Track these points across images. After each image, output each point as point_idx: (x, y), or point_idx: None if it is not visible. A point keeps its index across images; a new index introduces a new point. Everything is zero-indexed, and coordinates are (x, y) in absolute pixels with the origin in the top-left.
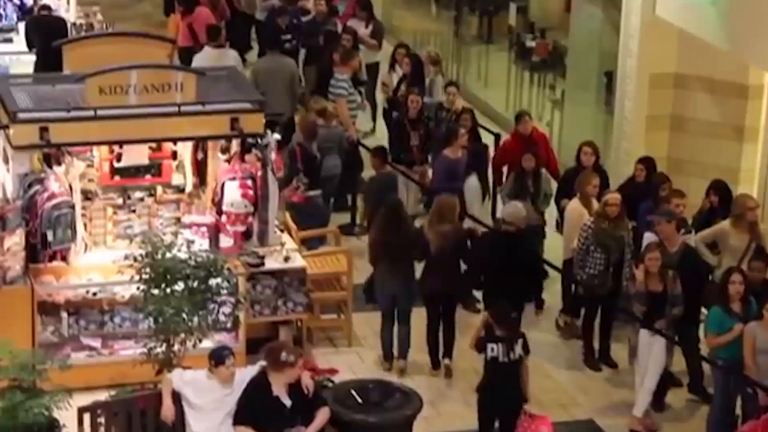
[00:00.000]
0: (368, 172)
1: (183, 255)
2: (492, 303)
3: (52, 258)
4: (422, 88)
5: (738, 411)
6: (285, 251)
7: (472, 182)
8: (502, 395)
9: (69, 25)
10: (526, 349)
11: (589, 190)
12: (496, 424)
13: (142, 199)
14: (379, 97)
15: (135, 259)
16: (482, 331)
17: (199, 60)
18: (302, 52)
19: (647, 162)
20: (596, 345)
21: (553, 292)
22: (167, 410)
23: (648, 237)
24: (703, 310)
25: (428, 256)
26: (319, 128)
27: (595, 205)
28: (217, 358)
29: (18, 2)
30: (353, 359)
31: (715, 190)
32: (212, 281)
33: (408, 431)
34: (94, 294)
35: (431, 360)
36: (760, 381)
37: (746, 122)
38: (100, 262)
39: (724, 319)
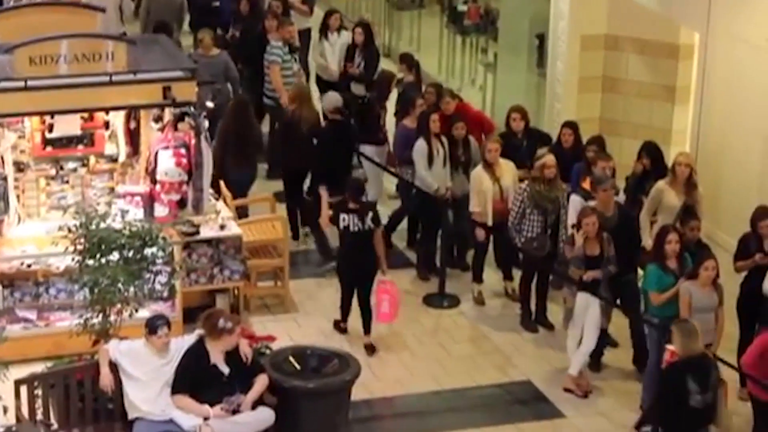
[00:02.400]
0: None
1: (117, 225)
2: (348, 180)
3: None
4: (376, 58)
5: None
6: (220, 219)
7: (419, 145)
8: (356, 263)
9: None
10: (376, 221)
11: (488, 157)
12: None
13: (75, 170)
14: (312, 63)
15: (69, 230)
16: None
17: None
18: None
19: (573, 125)
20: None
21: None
22: (105, 378)
23: (574, 200)
24: (640, 272)
25: (299, 136)
26: (200, 58)
27: (500, 169)
28: (150, 327)
29: None
30: (290, 326)
31: (647, 152)
32: (147, 251)
33: (347, 396)
34: (29, 266)
35: (292, 231)
36: None
37: (678, 82)
38: (33, 233)
39: (662, 276)
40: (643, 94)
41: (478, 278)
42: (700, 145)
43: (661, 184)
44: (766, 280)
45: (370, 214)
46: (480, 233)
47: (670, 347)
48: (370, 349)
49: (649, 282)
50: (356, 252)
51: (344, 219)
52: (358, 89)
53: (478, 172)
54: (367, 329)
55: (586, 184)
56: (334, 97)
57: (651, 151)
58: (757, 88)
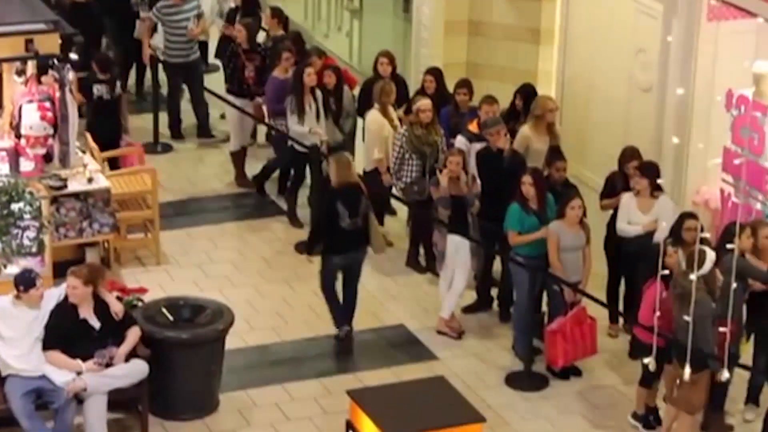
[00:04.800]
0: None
1: None
2: (95, 54)
3: None
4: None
5: (544, 308)
6: (88, 172)
7: (290, 100)
8: (103, 126)
9: None
10: (123, 88)
11: (391, 100)
12: None
13: None
14: None
15: None
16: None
17: None
18: None
19: (435, 72)
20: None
21: None
22: None
23: (459, 140)
24: None
25: None
26: None
27: (393, 114)
28: (27, 282)
29: None
30: (162, 277)
31: (522, 95)
32: (14, 206)
33: (221, 346)
34: None
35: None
36: (566, 278)
37: (542, 24)
38: None
39: (523, 216)
40: (508, 37)
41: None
42: (566, 86)
43: (525, 130)
44: (619, 219)
45: (118, 83)
46: (387, 178)
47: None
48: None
49: (510, 222)
50: (104, 118)
51: (98, 89)
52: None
53: (377, 118)
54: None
55: (473, 126)
56: None
57: (526, 94)
58: (619, 28)
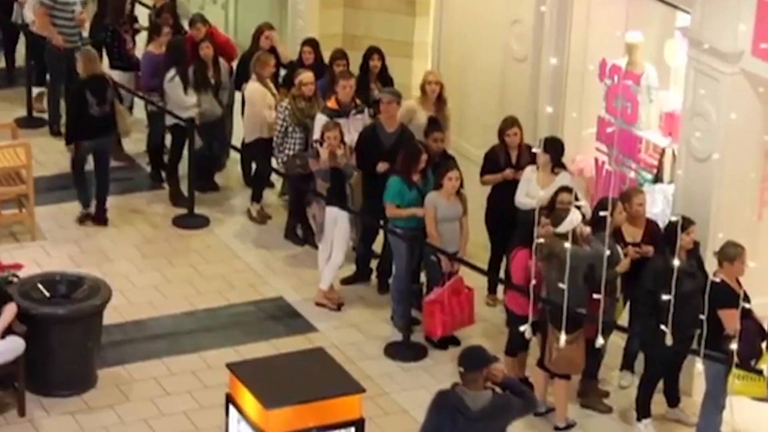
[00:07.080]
0: None
1: None
2: None
3: None
4: None
5: (423, 279)
6: None
7: (172, 74)
8: None
9: None
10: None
11: (267, 72)
12: None
13: None
14: None
15: None
16: None
17: None
18: None
19: (313, 43)
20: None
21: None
22: None
23: (320, 119)
24: None
25: None
26: None
27: (271, 85)
28: None
29: None
30: (38, 253)
31: (378, 53)
32: None
33: (98, 321)
34: None
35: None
36: (443, 248)
37: None
38: None
39: (404, 189)
40: (384, 8)
41: (258, 197)
42: (442, 57)
43: (411, 103)
44: (519, 192)
45: None
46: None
47: None
48: None
49: (389, 194)
50: None
51: None
52: None
53: (257, 87)
54: None
55: (332, 103)
56: None
57: (380, 52)
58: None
